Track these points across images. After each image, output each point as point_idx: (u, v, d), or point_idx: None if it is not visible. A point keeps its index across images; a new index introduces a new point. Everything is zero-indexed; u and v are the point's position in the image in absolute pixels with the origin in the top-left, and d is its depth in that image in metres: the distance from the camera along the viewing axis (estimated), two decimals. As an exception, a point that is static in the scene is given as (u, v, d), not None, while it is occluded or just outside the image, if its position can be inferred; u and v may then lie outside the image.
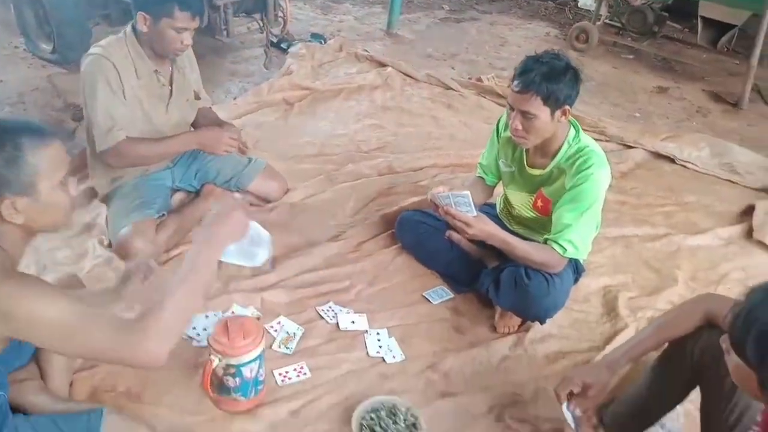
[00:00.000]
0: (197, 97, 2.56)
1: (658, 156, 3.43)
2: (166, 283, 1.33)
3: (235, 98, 3.78)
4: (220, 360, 1.65)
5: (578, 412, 1.52)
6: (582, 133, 2.01)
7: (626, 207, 2.91)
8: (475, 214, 1.90)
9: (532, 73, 1.83)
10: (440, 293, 2.29)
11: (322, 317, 2.11)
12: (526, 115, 1.88)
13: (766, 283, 1.06)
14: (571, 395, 1.52)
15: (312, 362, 1.93)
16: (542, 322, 2.10)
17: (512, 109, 1.91)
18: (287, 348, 1.97)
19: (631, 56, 5.26)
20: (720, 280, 2.44)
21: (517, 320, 2.14)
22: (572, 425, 1.49)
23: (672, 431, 1.78)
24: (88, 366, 1.79)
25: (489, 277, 2.16)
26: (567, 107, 1.88)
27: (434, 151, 3.29)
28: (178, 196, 2.62)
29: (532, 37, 5.47)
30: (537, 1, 6.60)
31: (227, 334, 1.66)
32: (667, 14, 5.34)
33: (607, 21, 5.55)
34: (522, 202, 2.18)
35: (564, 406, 1.51)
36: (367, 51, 4.51)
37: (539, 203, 2.10)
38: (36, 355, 1.64)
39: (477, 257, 2.29)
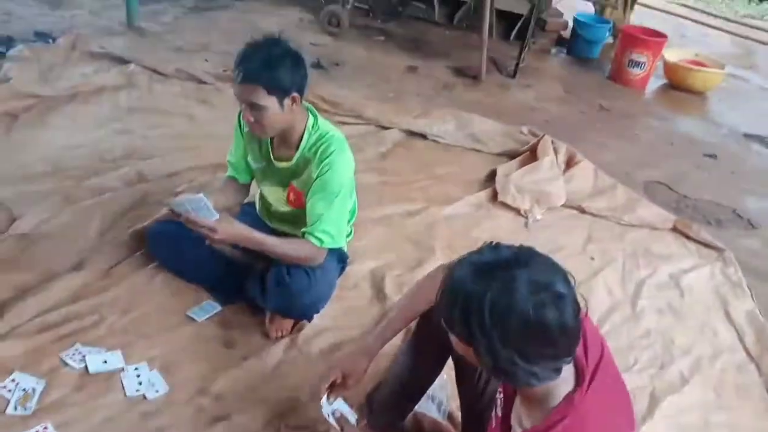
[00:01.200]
0: None
1: (412, 134, 3.61)
2: None
3: (-61, 116, 3.15)
4: None
5: (344, 405, 1.51)
6: (321, 120, 1.99)
7: (387, 187, 3.01)
8: (216, 216, 1.78)
9: (250, 63, 1.76)
10: (206, 308, 2.14)
11: (67, 364, 1.84)
12: (254, 107, 1.80)
13: (462, 258, 1.06)
14: (332, 386, 1.50)
15: (58, 418, 1.68)
16: (309, 320, 2.07)
17: (241, 101, 1.83)
18: (25, 408, 1.69)
19: (382, 38, 5.46)
20: (472, 245, 2.52)
21: (289, 322, 2.08)
22: (333, 422, 1.47)
23: (442, 401, 1.88)
24: None
25: (256, 282, 2.07)
26: (295, 94, 1.82)
27: (191, 151, 3.07)
28: None
29: (285, 23, 5.37)
30: (287, -14, 6.53)
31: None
32: (409, -5, 5.66)
33: (356, 4, 5.69)
34: (276, 198, 2.12)
35: (323, 400, 1.48)
36: (104, 48, 4.05)
37: (292, 197, 2.05)
38: None
39: (243, 262, 2.18)
